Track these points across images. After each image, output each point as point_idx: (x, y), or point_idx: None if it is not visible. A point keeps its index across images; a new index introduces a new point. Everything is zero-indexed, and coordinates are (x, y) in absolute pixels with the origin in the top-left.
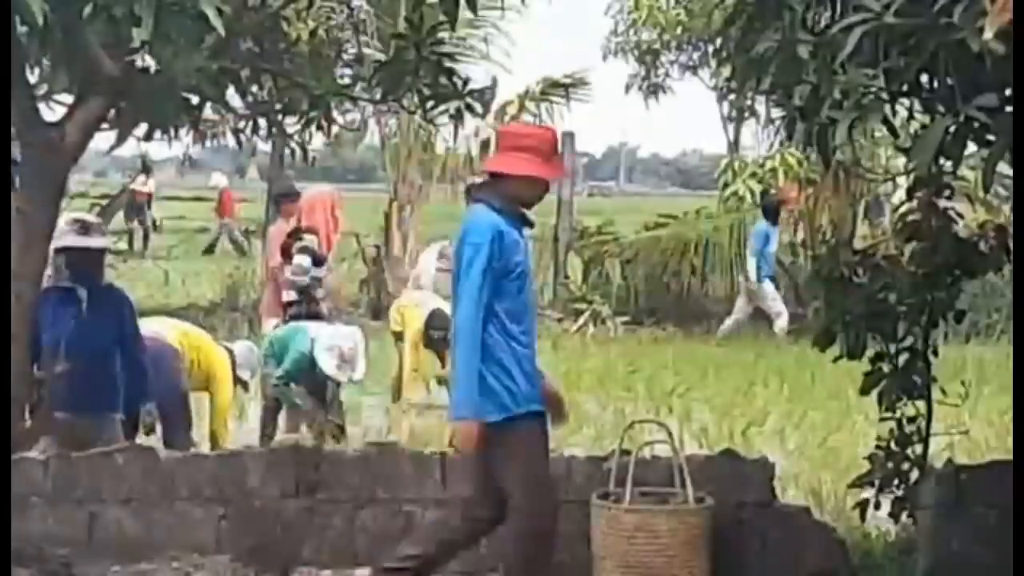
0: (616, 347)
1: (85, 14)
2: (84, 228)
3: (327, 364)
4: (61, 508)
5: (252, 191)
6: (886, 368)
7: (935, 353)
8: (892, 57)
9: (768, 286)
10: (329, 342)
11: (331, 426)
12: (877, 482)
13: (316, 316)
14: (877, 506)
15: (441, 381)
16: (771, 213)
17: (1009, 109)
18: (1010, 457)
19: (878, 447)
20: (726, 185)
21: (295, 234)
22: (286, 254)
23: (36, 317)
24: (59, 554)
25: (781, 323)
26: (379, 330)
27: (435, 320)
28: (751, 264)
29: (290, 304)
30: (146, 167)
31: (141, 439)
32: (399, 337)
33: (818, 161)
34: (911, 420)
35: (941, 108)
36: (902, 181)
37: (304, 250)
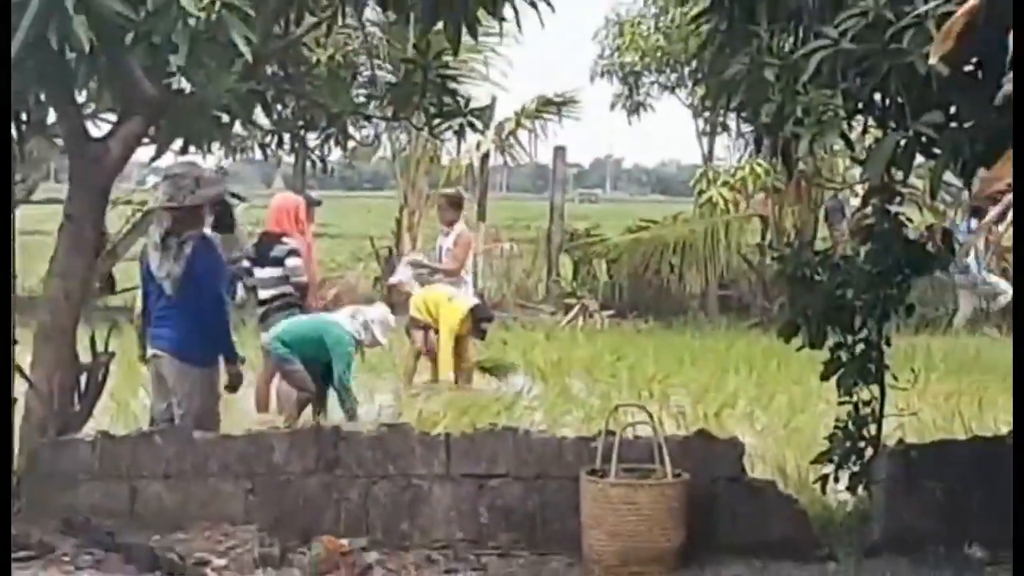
0: (602, 338)
1: (127, 41)
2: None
3: (382, 336)
4: (106, 484)
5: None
6: (844, 357)
7: (888, 343)
8: (849, 79)
9: (990, 276)
10: (380, 318)
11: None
12: (836, 459)
13: (302, 307)
14: (836, 480)
15: (486, 369)
16: (981, 210)
17: (953, 125)
18: (955, 436)
19: (837, 427)
20: (701, 192)
21: (272, 237)
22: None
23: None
24: (105, 525)
25: (1003, 300)
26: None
27: (482, 312)
28: (971, 260)
29: (272, 300)
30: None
31: None
32: (417, 325)
33: (783, 171)
34: (866, 403)
35: (892, 124)
36: (858, 189)
37: (294, 252)
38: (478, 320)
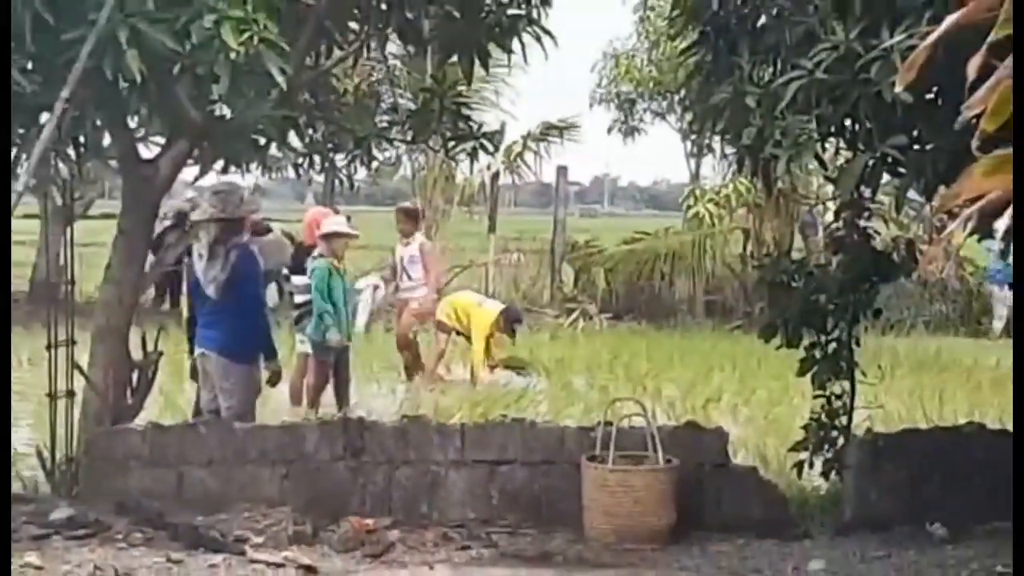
0: (601, 338)
1: (174, 72)
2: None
3: (332, 228)
4: (155, 469)
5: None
6: (818, 355)
7: (857, 343)
8: (822, 105)
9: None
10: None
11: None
12: (811, 447)
13: None
14: (811, 466)
15: (511, 367)
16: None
17: (916, 147)
18: (918, 427)
19: (812, 419)
20: (689, 208)
21: (305, 248)
22: (297, 265)
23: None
24: (154, 506)
25: (998, 324)
26: None
27: (513, 314)
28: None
29: (304, 304)
30: None
31: None
32: (444, 328)
33: (763, 189)
34: (838, 397)
35: (861, 146)
36: (831, 205)
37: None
38: (510, 321)
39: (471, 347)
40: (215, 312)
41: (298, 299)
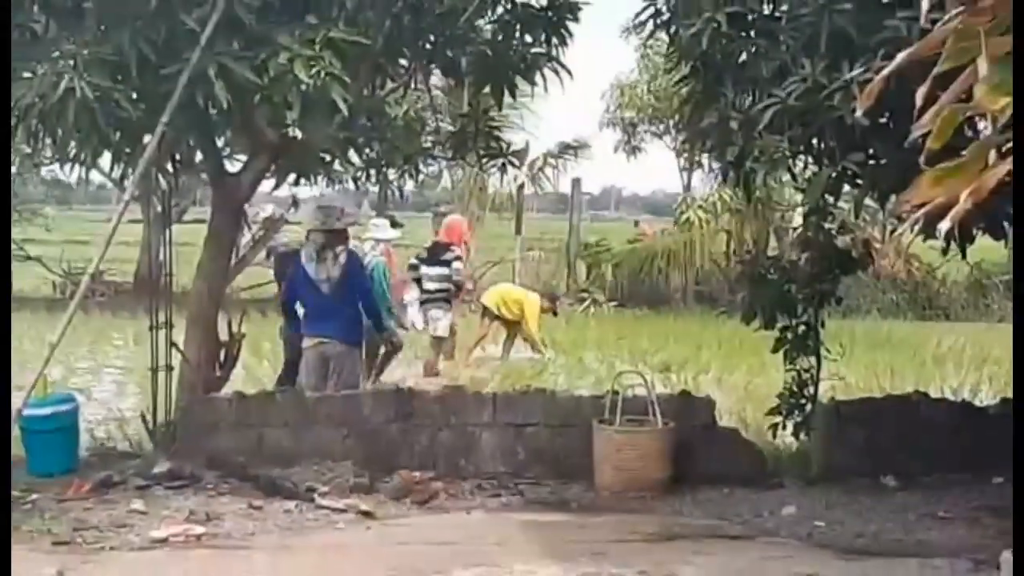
0: (608, 322)
1: (255, 100)
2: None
3: (386, 234)
4: (240, 431)
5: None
6: (789, 335)
7: (822, 325)
8: (793, 128)
9: None
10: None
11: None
12: (784, 412)
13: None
14: (784, 428)
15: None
16: None
17: (872, 163)
18: (873, 395)
19: (784, 388)
20: (682, 213)
21: (442, 246)
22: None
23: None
24: (239, 461)
25: None
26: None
27: (554, 296)
28: None
29: (435, 292)
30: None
31: None
32: (490, 315)
33: (744, 197)
34: (806, 370)
35: (826, 161)
36: (800, 211)
37: (459, 258)
38: (553, 302)
39: (507, 331)
40: (329, 305)
41: (428, 286)
